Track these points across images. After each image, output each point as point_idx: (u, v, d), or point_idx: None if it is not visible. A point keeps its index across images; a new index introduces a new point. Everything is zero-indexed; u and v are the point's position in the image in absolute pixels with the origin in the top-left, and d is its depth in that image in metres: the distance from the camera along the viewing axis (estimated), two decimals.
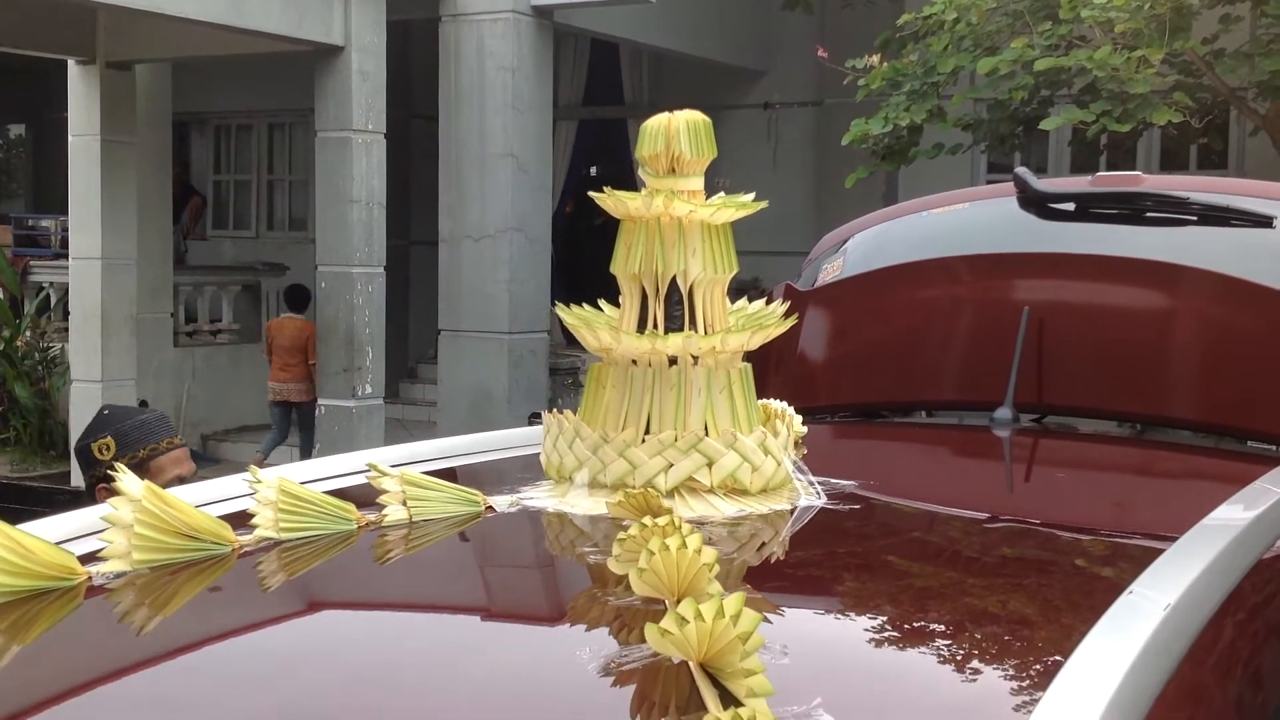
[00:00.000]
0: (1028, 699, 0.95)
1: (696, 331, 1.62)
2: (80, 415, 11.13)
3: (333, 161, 9.91)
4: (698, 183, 1.63)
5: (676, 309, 1.63)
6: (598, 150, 14.97)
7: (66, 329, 11.96)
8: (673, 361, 1.61)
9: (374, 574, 1.45)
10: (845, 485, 1.69)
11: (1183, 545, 1.32)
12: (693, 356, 1.60)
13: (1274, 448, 2.44)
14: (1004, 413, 2.43)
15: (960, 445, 2.50)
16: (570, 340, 12.60)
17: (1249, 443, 2.53)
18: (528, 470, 1.73)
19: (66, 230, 12.12)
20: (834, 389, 2.86)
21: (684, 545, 1.13)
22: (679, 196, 1.59)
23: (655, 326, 1.62)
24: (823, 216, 11.52)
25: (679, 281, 1.62)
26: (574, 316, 1.68)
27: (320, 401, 10.22)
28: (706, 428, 1.59)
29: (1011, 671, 1.16)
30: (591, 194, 1.66)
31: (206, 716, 1.07)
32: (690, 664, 1.01)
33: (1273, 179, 3.36)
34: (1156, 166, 11.44)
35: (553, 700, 1.08)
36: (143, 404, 11.79)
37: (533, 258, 11.05)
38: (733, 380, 1.62)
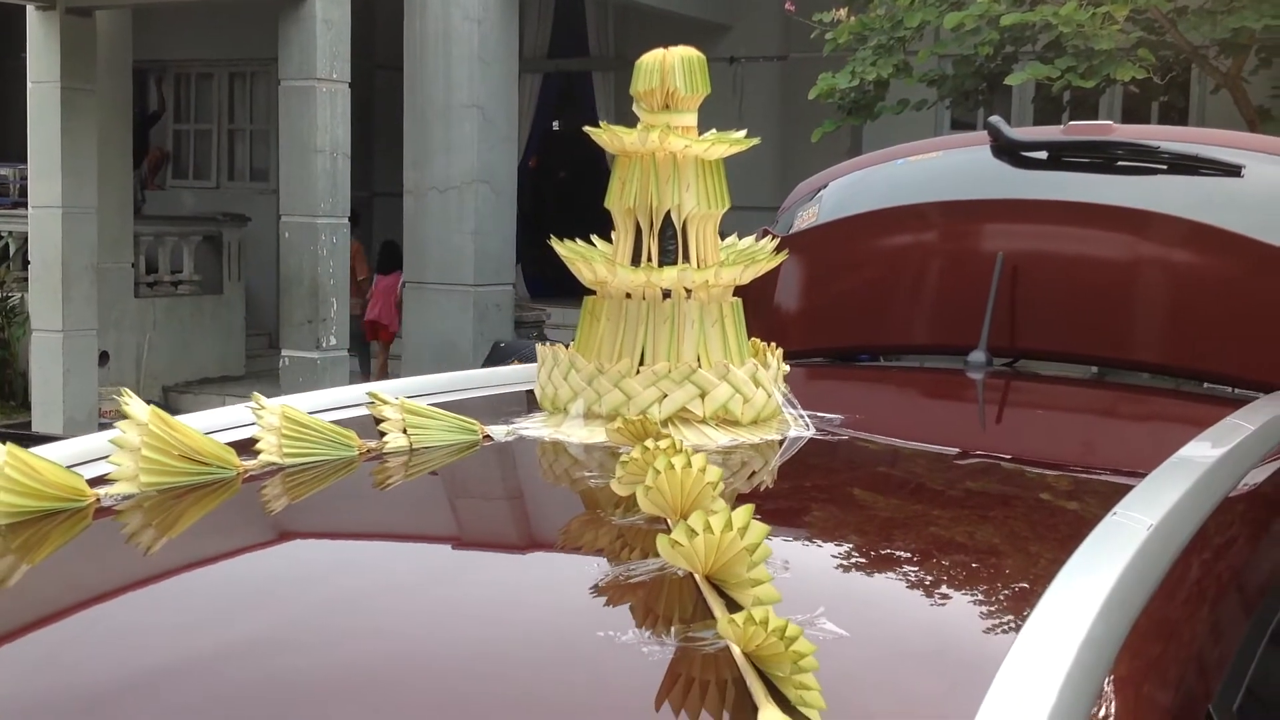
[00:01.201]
0: (1026, 605, 0.99)
1: (690, 265, 1.65)
2: (41, 365, 11.05)
3: (296, 111, 9.82)
4: (691, 118, 1.66)
5: (670, 244, 1.66)
6: (562, 104, 14.89)
7: (26, 278, 11.83)
8: (666, 295, 1.64)
9: (377, 498, 1.48)
10: (832, 419, 1.73)
11: (1162, 473, 1.37)
12: (686, 290, 1.64)
13: (1231, 390, 2.51)
14: (978, 356, 2.49)
15: (938, 386, 2.55)
16: (535, 293, 12.60)
17: (1205, 385, 2.60)
18: (517, 404, 1.77)
19: (25, 179, 11.95)
20: (810, 333, 2.90)
21: (689, 464, 1.16)
22: (674, 131, 1.62)
23: (649, 260, 1.65)
24: (788, 172, 11.51)
25: (673, 216, 1.65)
26: (569, 249, 1.70)
27: (284, 353, 10.20)
28: (699, 360, 1.62)
29: (1007, 582, 1.21)
30: (587, 129, 1.68)
31: (211, 636, 1.10)
32: (696, 577, 1.05)
33: None
34: (1119, 123, 11.47)
35: (561, 613, 1.11)
36: (104, 355, 11.73)
37: (498, 210, 11.01)
38: (725, 314, 1.65)
